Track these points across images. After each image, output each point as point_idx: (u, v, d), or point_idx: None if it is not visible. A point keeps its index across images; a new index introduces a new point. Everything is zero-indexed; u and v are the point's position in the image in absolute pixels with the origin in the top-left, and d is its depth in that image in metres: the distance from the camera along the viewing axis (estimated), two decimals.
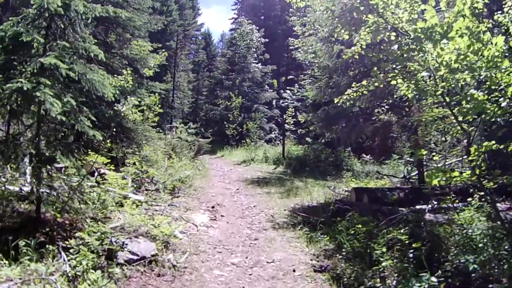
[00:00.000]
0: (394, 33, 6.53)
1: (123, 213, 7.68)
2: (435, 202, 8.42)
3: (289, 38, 23.87)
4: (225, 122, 27.48)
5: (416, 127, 10.83)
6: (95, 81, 6.40)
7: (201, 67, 54.11)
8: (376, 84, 6.80)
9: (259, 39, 34.03)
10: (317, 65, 21.49)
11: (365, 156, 20.22)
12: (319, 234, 7.70)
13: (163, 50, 41.36)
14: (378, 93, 10.74)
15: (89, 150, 9.70)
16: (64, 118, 5.78)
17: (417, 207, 8.62)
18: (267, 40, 35.05)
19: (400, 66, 6.34)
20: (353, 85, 7.19)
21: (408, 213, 7.32)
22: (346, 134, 12.13)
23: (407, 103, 11.47)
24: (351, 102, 7.34)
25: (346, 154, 20.39)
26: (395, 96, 11.77)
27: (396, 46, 5.80)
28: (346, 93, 7.18)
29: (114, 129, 12.89)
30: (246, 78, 33.23)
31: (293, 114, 24.96)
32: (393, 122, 11.74)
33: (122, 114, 7.24)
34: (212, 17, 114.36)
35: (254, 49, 33.91)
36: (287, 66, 44.75)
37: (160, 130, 21.21)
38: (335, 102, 7.58)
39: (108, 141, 13.33)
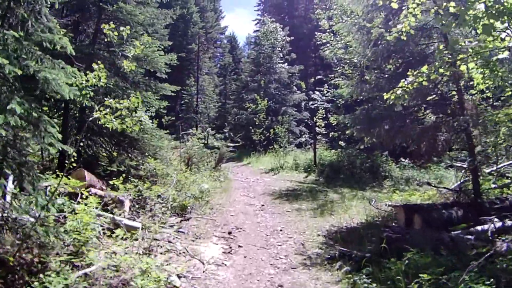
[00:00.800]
0: (453, 3, 4.61)
1: (105, 249, 5.93)
2: (498, 220, 6.60)
3: (316, 33, 22.03)
4: (250, 127, 25.53)
5: (470, 128, 8.75)
6: (50, 80, 4.73)
7: (228, 71, 52.73)
8: (441, 70, 4.85)
9: (283, 37, 32.07)
10: (347, 61, 19.78)
11: (403, 160, 18.17)
12: (364, 277, 5.55)
13: (185, 52, 40.36)
14: (422, 89, 8.77)
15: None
16: (3, 132, 4.21)
17: (478, 228, 6.84)
18: (293, 38, 33.14)
19: (475, 43, 4.41)
20: (409, 73, 5.23)
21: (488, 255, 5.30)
22: (389, 138, 10.00)
23: (456, 99, 9.45)
24: (406, 97, 5.39)
25: (383, 158, 18.23)
26: (438, 91, 9.80)
27: (482, 6, 3.83)
28: (400, 85, 5.23)
29: (114, 139, 11.37)
30: (272, 80, 31.35)
31: (324, 116, 23.08)
32: (442, 122, 9.67)
33: (99, 122, 5.46)
34: (236, 21, 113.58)
35: (279, 49, 31.97)
36: (315, 66, 43.07)
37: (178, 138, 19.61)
38: (385, 98, 5.63)
39: (114, 153, 11.81)
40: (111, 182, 9.53)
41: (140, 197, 9.16)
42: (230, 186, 14.55)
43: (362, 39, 10.15)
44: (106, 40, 11.34)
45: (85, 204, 6.33)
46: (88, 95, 5.42)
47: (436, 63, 4.86)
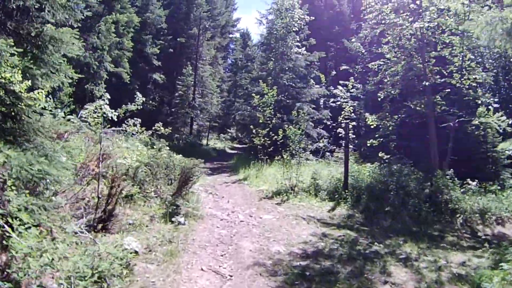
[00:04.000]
0: None
1: None
2: None
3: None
4: (252, 126, 18.26)
5: None
6: None
7: (239, 68, 46.47)
8: None
9: (302, 16, 24.85)
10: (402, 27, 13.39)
11: (470, 183, 12.75)
12: None
13: (185, 38, 34.00)
14: None
15: None
16: None
17: None
18: (313, 18, 25.64)
19: None
20: None
21: None
22: None
23: None
24: None
25: (447, 181, 11.92)
26: None
27: None
28: None
29: None
30: (285, 68, 24.18)
31: (353, 117, 16.78)
32: None
33: None
34: (252, 22, 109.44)
35: (296, 30, 24.78)
36: (335, 59, 36.07)
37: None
38: None
39: None
40: None
41: None
42: (190, 239, 7.40)
43: None
44: None
45: None
46: None
47: None
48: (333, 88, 22.98)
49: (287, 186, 12.98)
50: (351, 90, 20.57)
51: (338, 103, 20.77)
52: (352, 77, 21.52)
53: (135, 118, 13.42)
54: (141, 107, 14.56)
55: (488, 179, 13.92)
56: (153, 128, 12.84)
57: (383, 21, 14.35)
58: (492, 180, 13.93)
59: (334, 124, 24.26)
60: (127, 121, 12.70)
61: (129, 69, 25.00)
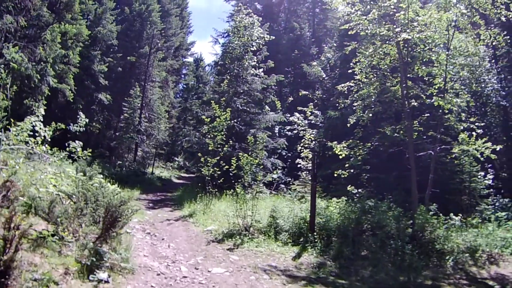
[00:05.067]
0: None
1: None
2: None
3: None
4: (199, 154, 16.12)
5: None
6: None
7: (190, 90, 44.74)
8: None
9: (261, 36, 22.95)
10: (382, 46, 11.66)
11: (453, 218, 11.55)
12: None
13: (135, 56, 31.90)
14: None
15: None
16: None
17: None
18: (274, 38, 23.63)
19: None
20: None
21: None
22: None
23: None
24: None
25: (430, 217, 10.37)
26: None
27: None
28: None
29: None
30: (240, 91, 22.08)
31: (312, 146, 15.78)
32: None
33: None
34: (208, 48, 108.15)
35: (254, 50, 22.74)
36: (292, 85, 34.50)
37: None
38: None
39: None
40: None
41: None
42: None
43: None
44: None
45: None
46: None
47: None
48: (289, 116, 21.29)
49: (240, 226, 10.86)
50: (309, 117, 19.25)
51: (295, 131, 19.31)
52: (311, 104, 20.29)
53: (77, 141, 11.57)
54: (83, 129, 12.62)
55: (465, 211, 13.11)
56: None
57: (361, 32, 12.48)
58: (470, 213, 13.07)
59: (290, 154, 22.48)
60: (68, 144, 10.84)
61: (74, 86, 22.80)
